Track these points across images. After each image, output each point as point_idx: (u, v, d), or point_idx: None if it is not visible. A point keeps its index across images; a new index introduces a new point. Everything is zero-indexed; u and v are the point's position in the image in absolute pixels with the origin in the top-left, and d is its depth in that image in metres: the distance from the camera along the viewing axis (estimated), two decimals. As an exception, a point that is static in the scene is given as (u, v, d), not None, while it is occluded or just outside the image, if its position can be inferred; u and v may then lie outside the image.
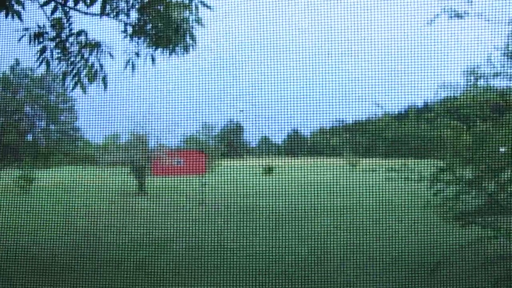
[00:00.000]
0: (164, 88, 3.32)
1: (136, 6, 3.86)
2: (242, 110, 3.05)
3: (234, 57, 3.11)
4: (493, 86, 3.34)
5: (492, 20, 2.78)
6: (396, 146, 3.73)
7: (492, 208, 3.48)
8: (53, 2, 3.63)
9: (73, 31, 3.80)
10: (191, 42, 3.81)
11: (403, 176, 3.29)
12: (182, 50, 3.83)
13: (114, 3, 3.77)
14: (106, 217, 3.62)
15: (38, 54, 3.76)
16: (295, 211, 3.99)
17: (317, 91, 3.07)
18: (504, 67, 3.22)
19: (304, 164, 3.46)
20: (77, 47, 3.80)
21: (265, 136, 3.29)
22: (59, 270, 3.25)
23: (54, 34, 3.79)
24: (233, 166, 3.46)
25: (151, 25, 3.93)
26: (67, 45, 3.80)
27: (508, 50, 3.19)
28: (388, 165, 3.61)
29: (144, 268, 3.62)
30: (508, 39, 3.13)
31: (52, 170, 4.06)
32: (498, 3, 2.76)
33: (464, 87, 3.38)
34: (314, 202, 3.65)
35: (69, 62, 3.79)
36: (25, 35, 3.70)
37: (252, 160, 3.98)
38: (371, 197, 3.33)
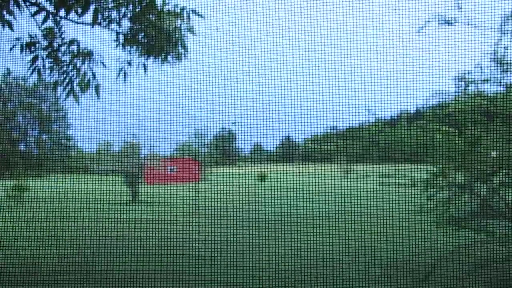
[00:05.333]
0: (157, 97, 3.33)
1: (128, 15, 3.87)
2: (235, 123, 3.07)
3: (226, 65, 3.12)
4: (483, 92, 3.37)
5: (481, 27, 2.82)
6: (388, 152, 3.75)
7: (485, 212, 3.50)
8: (44, 11, 3.63)
9: (65, 40, 3.80)
10: (182, 50, 3.82)
11: (396, 182, 3.30)
12: (174, 58, 3.84)
13: (106, 13, 3.77)
14: (100, 226, 3.60)
15: (30, 64, 3.75)
16: (289, 217, 3.99)
17: (309, 98, 3.08)
18: (493, 73, 3.26)
19: (297, 171, 3.46)
20: (69, 56, 3.80)
21: (258, 143, 3.30)
22: (52, 280, 3.22)
23: (46, 44, 3.79)
24: (227, 173, 3.46)
25: (143, 34, 3.94)
26: (59, 55, 3.80)
27: (496, 56, 3.22)
28: (381, 171, 3.63)
29: (138, 277, 3.60)
30: (496, 45, 3.17)
31: (44, 179, 4.04)
32: (487, 10, 2.80)
33: (455, 93, 3.41)
34: (307, 208, 3.66)
35: (62, 71, 3.79)
36: (16, 45, 3.69)
37: (245, 167, 3.99)
38: (364, 203, 3.34)
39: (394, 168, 3.60)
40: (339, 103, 3.00)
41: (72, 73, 3.78)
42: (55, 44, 3.80)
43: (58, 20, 3.73)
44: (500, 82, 3.28)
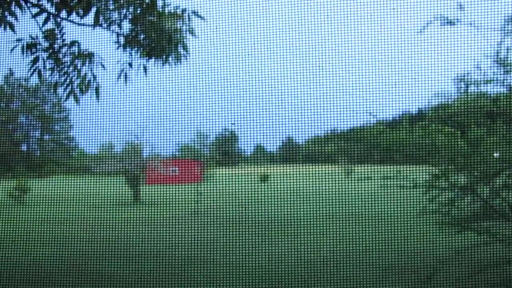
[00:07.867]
0: (158, 98, 3.33)
1: (129, 17, 3.87)
2: (234, 123, 3.06)
3: (227, 66, 3.12)
4: (486, 93, 3.36)
5: (483, 27, 2.80)
6: (390, 153, 3.74)
7: (487, 214, 3.48)
8: (45, 13, 3.63)
9: (66, 41, 3.80)
10: (183, 52, 3.82)
11: (398, 183, 3.29)
12: (175, 60, 3.84)
13: (107, 14, 3.77)
14: (101, 226, 3.60)
15: (31, 65, 3.76)
16: (290, 218, 3.99)
17: (311, 99, 3.08)
18: (495, 74, 3.24)
19: (299, 172, 3.46)
20: (70, 57, 3.80)
21: (260, 144, 3.29)
22: (52, 280, 3.22)
23: (47, 45, 3.79)
24: (228, 174, 3.46)
25: (143, 35, 3.94)
26: (60, 56, 3.80)
27: (498, 57, 3.21)
28: (383, 172, 3.61)
29: (140, 278, 3.60)
30: (498, 46, 3.15)
31: (46, 180, 4.04)
32: (489, 10, 2.78)
33: (456, 94, 3.40)
34: (309, 209, 3.65)
35: (62, 72, 3.79)
36: (17, 46, 3.70)
37: (247, 168, 3.98)
38: (366, 205, 3.33)
39: (396, 169, 3.58)
40: (341, 104, 2.99)
41: (73, 74, 3.79)
42: (56, 46, 3.80)
43: (59, 21, 3.74)
44: (503, 83, 3.27)
